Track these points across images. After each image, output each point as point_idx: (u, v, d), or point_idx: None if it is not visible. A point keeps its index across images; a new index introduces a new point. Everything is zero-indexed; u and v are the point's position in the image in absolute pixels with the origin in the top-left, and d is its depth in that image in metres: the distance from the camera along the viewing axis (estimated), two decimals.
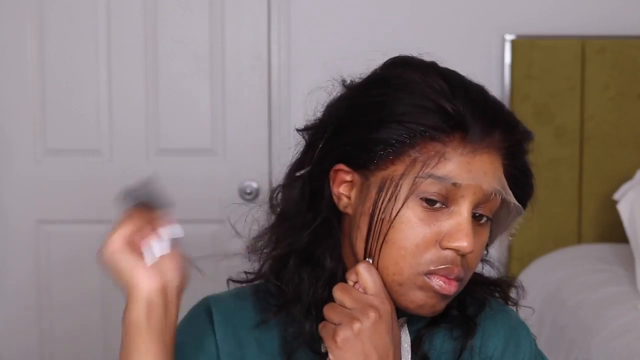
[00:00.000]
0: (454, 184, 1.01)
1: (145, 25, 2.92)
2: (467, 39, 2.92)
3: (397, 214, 1.02)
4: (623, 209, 2.61)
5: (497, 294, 1.17)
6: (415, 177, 1.02)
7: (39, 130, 2.94)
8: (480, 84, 1.09)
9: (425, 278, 1.02)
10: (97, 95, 2.93)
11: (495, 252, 3.22)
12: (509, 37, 2.89)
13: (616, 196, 2.70)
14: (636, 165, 2.85)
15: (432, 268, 1.02)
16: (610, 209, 2.78)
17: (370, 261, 1.04)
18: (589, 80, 2.88)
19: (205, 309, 1.14)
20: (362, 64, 1.12)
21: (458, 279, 1.03)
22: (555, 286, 2.65)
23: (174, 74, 2.94)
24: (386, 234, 1.03)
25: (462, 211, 1.02)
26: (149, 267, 1.00)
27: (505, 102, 2.89)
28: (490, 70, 2.92)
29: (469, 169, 1.02)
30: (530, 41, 2.88)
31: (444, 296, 1.03)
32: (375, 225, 1.03)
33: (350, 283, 1.04)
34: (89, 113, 2.94)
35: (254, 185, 2.92)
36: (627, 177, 2.82)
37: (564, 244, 2.89)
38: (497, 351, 1.13)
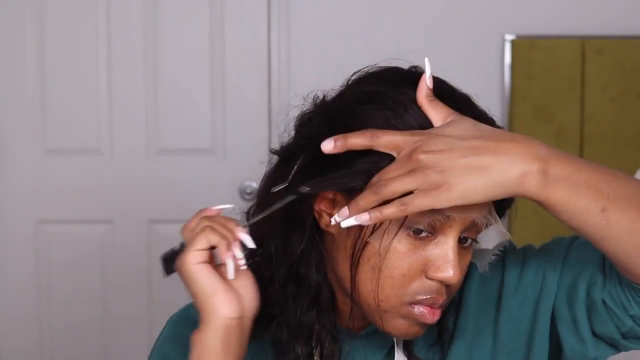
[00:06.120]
0: (447, 216, 0.96)
1: (145, 25, 2.92)
2: (467, 39, 2.92)
3: (388, 244, 0.97)
4: None
5: None
6: None
7: (39, 130, 2.94)
8: (465, 93, 1.03)
9: (410, 307, 0.99)
10: (97, 95, 2.93)
11: None
12: (509, 37, 2.89)
13: None
14: (636, 165, 2.85)
15: (418, 298, 0.99)
16: None
17: None
18: (589, 80, 2.88)
19: (195, 315, 1.09)
20: (362, 64, 1.12)
21: (442, 307, 1.01)
22: None
23: (174, 74, 2.94)
24: (369, 259, 0.98)
25: (449, 241, 0.98)
26: (229, 293, 0.97)
27: (505, 102, 2.89)
28: (490, 70, 2.92)
29: None
30: (530, 41, 2.88)
31: (426, 324, 1.01)
32: (360, 250, 0.99)
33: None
34: (89, 113, 2.94)
35: (254, 185, 2.92)
36: None
37: None
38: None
